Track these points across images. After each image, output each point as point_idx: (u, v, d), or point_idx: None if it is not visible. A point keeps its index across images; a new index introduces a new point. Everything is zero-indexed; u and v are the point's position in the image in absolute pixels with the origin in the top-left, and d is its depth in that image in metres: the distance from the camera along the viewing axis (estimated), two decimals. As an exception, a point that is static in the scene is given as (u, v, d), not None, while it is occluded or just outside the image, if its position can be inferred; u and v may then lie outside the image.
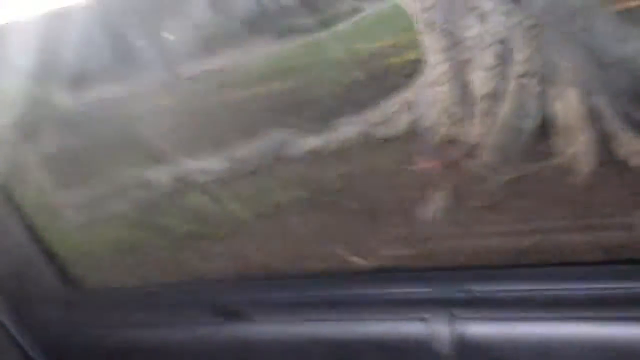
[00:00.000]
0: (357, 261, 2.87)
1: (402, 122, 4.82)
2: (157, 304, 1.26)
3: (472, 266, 1.29)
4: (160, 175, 4.92)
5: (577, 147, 3.21)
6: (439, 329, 0.93)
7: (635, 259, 1.89)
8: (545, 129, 3.62)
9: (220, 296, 1.21)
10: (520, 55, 3.95)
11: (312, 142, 5.04)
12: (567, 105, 3.51)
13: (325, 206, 3.72)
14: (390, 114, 4.80)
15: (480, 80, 4.24)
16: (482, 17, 4.20)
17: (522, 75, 3.81)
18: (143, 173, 5.33)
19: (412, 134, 4.63)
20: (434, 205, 3.18)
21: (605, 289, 0.90)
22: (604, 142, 3.21)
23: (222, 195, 4.34)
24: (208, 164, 4.96)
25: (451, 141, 4.23)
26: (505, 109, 3.77)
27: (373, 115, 4.93)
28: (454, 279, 1.03)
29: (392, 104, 4.87)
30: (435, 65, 4.44)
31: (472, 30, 4.27)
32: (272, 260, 3.16)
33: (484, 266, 1.31)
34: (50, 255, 1.89)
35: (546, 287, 0.95)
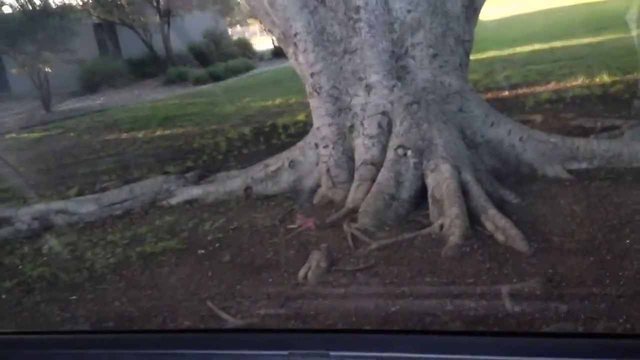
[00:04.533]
0: (226, 318, 2.75)
1: (284, 180, 4.83)
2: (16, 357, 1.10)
3: (337, 330, 1.25)
4: (19, 213, 4.53)
5: (447, 219, 3.35)
6: None
7: (495, 331, 1.96)
8: (420, 199, 3.77)
9: (61, 354, 1.07)
10: (399, 127, 4.13)
11: (190, 192, 4.89)
12: (440, 178, 3.69)
13: (198, 259, 3.57)
14: (273, 172, 4.80)
15: (361, 147, 4.38)
16: (368, 88, 4.39)
17: (400, 147, 3.98)
18: (0, 209, 4.89)
19: (293, 193, 4.66)
20: (308, 265, 3.15)
21: None
22: (473, 216, 3.37)
23: (84, 239, 4.05)
24: (74, 206, 4.64)
25: (330, 203, 4.29)
26: (382, 176, 3.90)
27: (256, 171, 4.89)
28: (317, 343, 0.98)
29: (275, 162, 4.88)
30: (320, 128, 4.53)
31: (358, 99, 4.43)
32: (132, 312, 2.94)
33: (349, 330, 1.28)
34: None
35: (408, 356, 0.93)
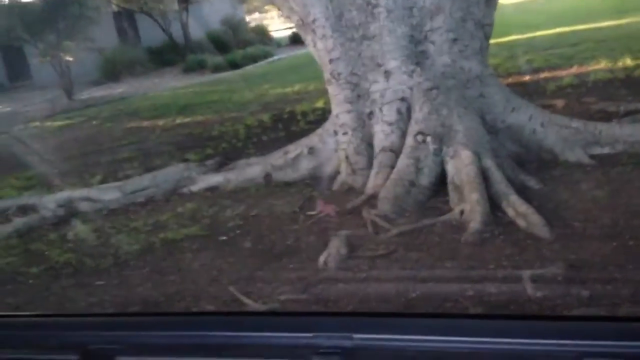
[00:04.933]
0: (248, 303, 2.79)
1: (303, 167, 4.85)
2: (20, 338, 1.13)
3: (359, 314, 1.27)
4: (44, 200, 4.62)
5: (468, 205, 3.34)
6: None
7: (516, 314, 1.96)
8: (439, 185, 3.76)
9: (88, 335, 1.10)
10: (419, 113, 4.12)
11: (211, 179, 4.94)
12: (460, 164, 3.68)
13: (219, 245, 3.62)
14: (293, 159, 4.82)
15: (380, 134, 4.37)
16: (387, 74, 4.38)
17: (420, 133, 3.97)
18: (25, 196, 4.98)
19: (313, 180, 4.68)
20: (328, 252, 3.18)
21: (489, 343, 0.91)
22: (494, 202, 3.37)
23: (108, 226, 4.12)
24: (98, 193, 4.72)
25: (350, 190, 4.31)
26: (401, 163, 3.90)
27: (275, 158, 4.92)
28: (341, 326, 1.00)
29: (295, 149, 4.90)
30: (339, 115, 4.54)
31: (377, 85, 4.42)
32: (156, 297, 3.00)
33: (372, 313, 1.29)
34: None
35: (431, 338, 0.94)
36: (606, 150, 3.92)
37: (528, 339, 0.91)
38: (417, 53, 4.21)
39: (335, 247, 3.22)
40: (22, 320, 1.37)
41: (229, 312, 1.80)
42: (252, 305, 2.78)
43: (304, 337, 0.98)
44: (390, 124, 4.23)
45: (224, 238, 3.72)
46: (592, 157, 3.90)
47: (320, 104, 7.01)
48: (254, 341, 1.02)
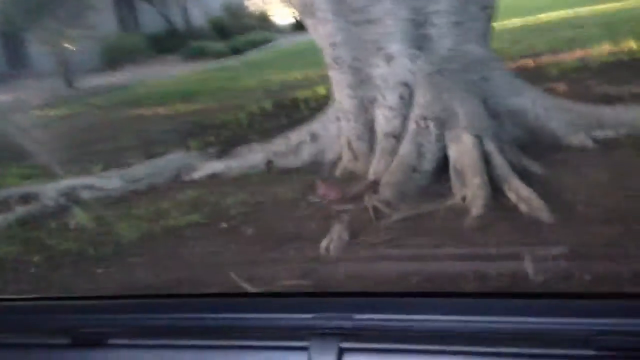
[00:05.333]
0: (249, 289, 2.79)
1: (305, 154, 4.84)
2: (11, 322, 1.12)
3: (360, 294, 1.25)
4: (45, 189, 4.61)
5: (470, 190, 3.33)
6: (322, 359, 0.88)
7: (521, 293, 1.95)
8: (442, 171, 3.74)
9: (81, 319, 1.08)
10: (421, 98, 4.09)
11: (212, 166, 4.93)
12: (462, 149, 3.66)
13: (221, 232, 3.61)
14: (295, 145, 4.81)
15: (383, 119, 4.35)
16: (388, 59, 4.34)
17: (422, 118, 3.94)
18: (26, 185, 4.98)
19: (315, 166, 4.66)
20: (330, 238, 3.17)
21: (494, 322, 0.90)
22: (496, 186, 3.35)
23: (110, 214, 4.11)
24: (99, 181, 4.71)
25: (352, 175, 4.29)
26: (404, 148, 3.88)
27: (278, 144, 4.91)
28: (340, 307, 0.99)
29: (297, 135, 4.89)
30: (341, 100, 4.51)
31: (379, 70, 4.39)
32: (157, 284, 3.00)
33: (372, 294, 1.28)
34: None
35: (433, 318, 0.93)
36: (610, 133, 3.89)
37: (534, 317, 0.90)
38: (419, 36, 4.17)
39: (337, 233, 3.22)
40: (12, 304, 1.37)
41: (226, 294, 1.79)
42: (253, 291, 2.78)
43: (304, 318, 0.96)
44: (392, 109, 4.20)
45: (226, 225, 3.71)
46: (595, 140, 3.87)
47: (322, 90, 6.97)
48: (252, 323, 1.01)
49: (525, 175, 3.47)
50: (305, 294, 1.65)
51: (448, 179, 3.63)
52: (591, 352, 0.82)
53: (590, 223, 2.88)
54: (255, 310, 1.03)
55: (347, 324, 0.93)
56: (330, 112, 4.68)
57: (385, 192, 3.59)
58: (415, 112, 4.02)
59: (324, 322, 0.93)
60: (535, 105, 4.12)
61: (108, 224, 3.95)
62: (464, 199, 3.33)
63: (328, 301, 1.10)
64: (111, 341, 1.01)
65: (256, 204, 3.97)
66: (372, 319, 0.95)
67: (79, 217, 4.09)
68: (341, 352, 0.88)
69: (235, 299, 1.27)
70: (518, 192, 3.25)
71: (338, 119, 4.54)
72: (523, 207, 3.15)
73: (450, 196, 3.45)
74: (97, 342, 1.00)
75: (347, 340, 0.90)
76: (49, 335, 1.06)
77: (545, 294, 1.94)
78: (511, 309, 0.93)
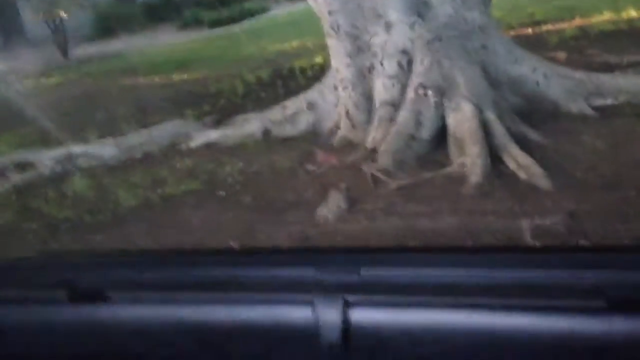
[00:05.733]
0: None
1: (302, 123, 4.81)
2: (8, 279, 1.11)
3: (364, 249, 1.24)
4: (41, 156, 4.58)
5: (468, 158, 3.32)
6: (327, 314, 0.87)
7: (528, 247, 1.95)
8: (440, 139, 3.73)
9: (78, 274, 1.07)
10: (420, 66, 4.05)
11: (209, 135, 4.90)
12: (461, 117, 3.64)
13: (218, 200, 3.60)
14: (292, 114, 4.77)
15: (382, 87, 4.31)
16: (387, 26, 4.28)
17: (421, 86, 3.91)
18: (22, 153, 4.94)
19: (312, 135, 4.63)
20: (328, 205, 3.17)
21: (501, 277, 0.90)
22: (495, 154, 3.34)
23: (106, 182, 4.10)
24: (95, 149, 4.68)
25: (350, 144, 4.27)
26: (402, 116, 3.85)
27: (274, 113, 4.87)
28: (345, 262, 0.98)
29: (294, 104, 4.84)
30: (339, 69, 4.47)
31: (377, 38, 4.33)
32: (157, 249, 3.01)
33: (376, 249, 1.27)
34: None
35: (439, 274, 0.93)
36: (609, 101, 3.87)
37: (539, 270, 0.90)
38: (418, 3, 4.11)
39: (335, 201, 3.22)
40: (8, 260, 1.36)
41: (228, 249, 1.78)
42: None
43: (308, 271, 0.96)
44: (390, 77, 4.16)
45: (223, 193, 3.70)
46: (594, 108, 3.85)
47: (319, 59, 6.90)
48: (254, 277, 1.00)
49: (524, 143, 3.46)
50: (308, 249, 1.63)
51: (447, 148, 3.62)
52: (601, 304, 0.81)
53: (589, 190, 2.88)
54: (259, 265, 1.02)
55: (352, 277, 0.92)
56: (328, 81, 4.64)
57: (384, 160, 3.58)
58: (414, 80, 3.99)
59: (329, 276, 0.93)
60: (535, 73, 4.09)
61: (105, 192, 3.94)
62: (462, 166, 3.33)
63: (333, 257, 1.09)
64: (110, 295, 1.00)
65: (253, 173, 3.95)
66: (378, 273, 0.94)
67: (75, 184, 4.08)
68: (347, 305, 0.88)
69: (241, 254, 1.27)
70: (517, 159, 3.24)
71: (336, 87, 4.50)
72: (522, 175, 3.15)
73: (449, 164, 3.45)
74: (95, 296, 0.99)
75: (352, 293, 0.89)
76: (45, 291, 1.05)
77: (548, 247, 1.94)
78: (523, 262, 0.93)
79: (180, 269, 1.05)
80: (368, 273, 0.93)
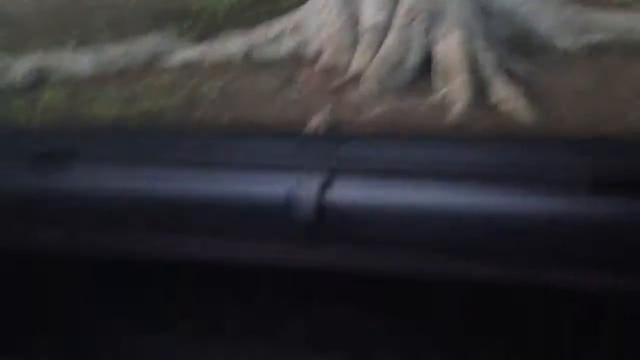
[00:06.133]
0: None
1: (286, 45, 4.68)
2: None
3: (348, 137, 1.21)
4: (13, 64, 4.40)
5: (453, 87, 3.28)
6: (302, 192, 0.84)
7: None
8: (426, 67, 3.67)
9: (43, 143, 1.02)
10: (410, -9, 3.93)
11: (188, 53, 4.75)
12: (449, 46, 3.57)
13: (196, 119, 3.53)
14: (275, 36, 4.64)
15: (369, 11, 4.19)
16: (377, -53, 4.11)
17: (409, 11, 3.80)
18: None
19: (296, 58, 4.52)
20: (311, 128, 3.13)
21: (482, 159, 0.88)
22: (480, 86, 3.31)
23: (81, 95, 3.98)
24: (69, 60, 4.51)
25: (334, 69, 4.18)
26: (389, 41, 3.76)
27: (257, 34, 4.73)
28: (323, 141, 0.95)
29: (278, 26, 4.70)
30: (326, -10, 4.32)
31: (366, -41, 4.17)
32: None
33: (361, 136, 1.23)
34: None
35: (417, 155, 0.90)
36: (598, 37, 3.82)
37: (526, 153, 0.88)
38: None
39: (318, 124, 3.17)
40: None
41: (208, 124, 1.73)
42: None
43: (286, 150, 0.92)
44: (378, 1, 4.04)
45: (200, 111, 3.63)
46: (583, 44, 3.80)
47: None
48: (237, 148, 0.96)
49: (510, 76, 3.43)
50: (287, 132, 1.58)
51: (432, 77, 3.57)
52: (584, 187, 0.80)
53: (571, 126, 2.88)
54: (237, 139, 0.99)
55: (331, 157, 0.89)
56: (313, 4, 4.49)
57: (368, 86, 3.53)
58: (403, 4, 3.88)
59: (307, 155, 0.90)
60: (524, 6, 4.01)
61: (79, 104, 3.83)
62: (446, 95, 3.29)
63: (312, 137, 1.06)
64: (72, 163, 0.95)
65: (233, 93, 3.87)
66: (356, 153, 0.91)
67: (49, 96, 3.95)
68: (332, 172, 0.85)
69: (217, 128, 1.23)
70: (501, 91, 3.22)
71: (322, 10, 4.37)
72: (504, 107, 3.13)
73: (434, 93, 3.41)
74: (57, 163, 0.95)
75: (330, 172, 0.86)
76: (5, 161, 1.00)
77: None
78: (498, 146, 0.92)
79: (154, 140, 1.01)
80: (346, 152, 0.91)
